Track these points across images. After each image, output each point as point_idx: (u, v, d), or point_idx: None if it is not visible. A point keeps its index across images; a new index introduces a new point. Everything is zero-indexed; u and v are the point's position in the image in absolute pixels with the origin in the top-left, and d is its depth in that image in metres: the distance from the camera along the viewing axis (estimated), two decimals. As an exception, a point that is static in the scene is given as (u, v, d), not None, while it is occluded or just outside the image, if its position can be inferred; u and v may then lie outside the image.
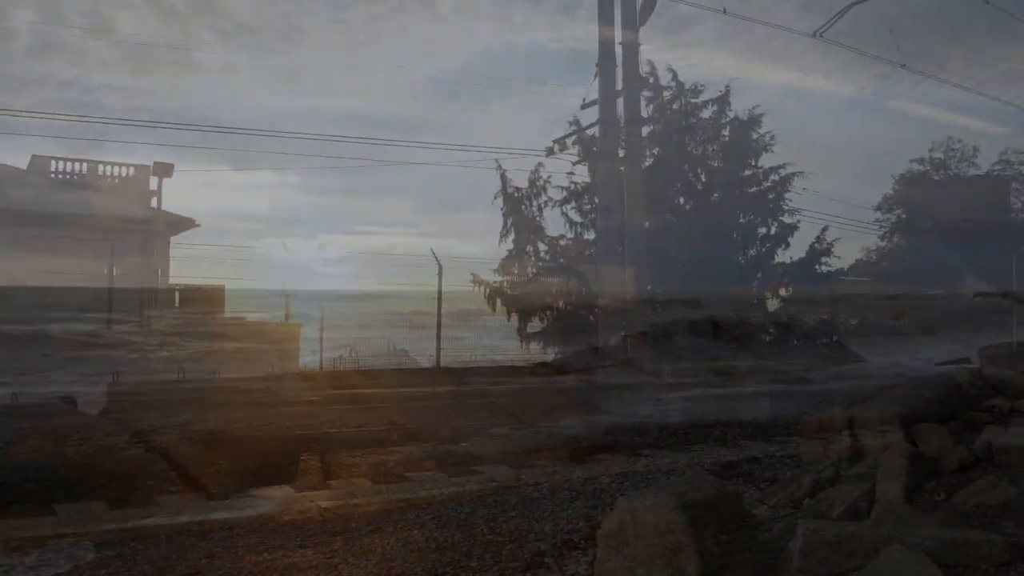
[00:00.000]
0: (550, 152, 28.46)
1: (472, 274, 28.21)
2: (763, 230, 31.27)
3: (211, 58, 48.76)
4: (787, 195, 30.78)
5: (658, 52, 52.32)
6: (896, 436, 6.57)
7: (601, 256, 26.59)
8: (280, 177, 60.70)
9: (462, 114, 55.13)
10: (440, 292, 19.41)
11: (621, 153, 26.24)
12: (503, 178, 29.38)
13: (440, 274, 19.41)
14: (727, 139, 30.98)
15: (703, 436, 10.24)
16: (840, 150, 56.19)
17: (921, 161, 40.88)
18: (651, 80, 30.32)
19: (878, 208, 40.21)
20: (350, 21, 54.71)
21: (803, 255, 31.39)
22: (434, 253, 19.48)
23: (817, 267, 31.23)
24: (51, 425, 9.09)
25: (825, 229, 31.32)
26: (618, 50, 25.68)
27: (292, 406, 11.59)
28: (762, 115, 30.56)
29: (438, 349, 18.79)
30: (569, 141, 28.54)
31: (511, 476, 7.83)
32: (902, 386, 10.22)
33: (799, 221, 30.73)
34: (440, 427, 10.30)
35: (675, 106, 31.17)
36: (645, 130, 29.35)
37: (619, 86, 25.71)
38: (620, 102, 26.00)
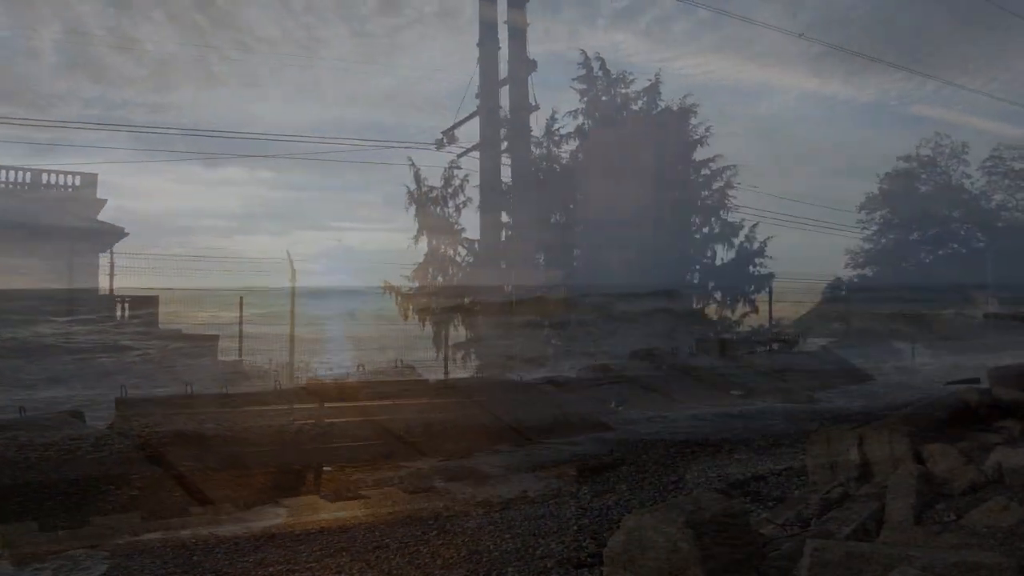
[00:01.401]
0: (440, 145, 26.08)
1: (384, 280, 26.25)
2: (707, 229, 29.42)
3: (232, 70, 48.88)
4: (731, 192, 29.15)
5: (650, 52, 52.09)
6: (905, 456, 6.53)
7: (481, 258, 24.15)
8: (251, 174, 60.27)
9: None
10: (293, 295, 18.37)
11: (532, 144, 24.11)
12: (417, 177, 26.60)
13: (293, 277, 18.44)
14: (658, 130, 28.71)
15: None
16: (817, 148, 55.14)
17: (908, 159, 39.37)
18: (587, 71, 28.28)
19: (862, 208, 38.91)
20: (370, 33, 55.03)
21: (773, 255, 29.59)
22: (289, 255, 18.57)
23: (752, 268, 29.32)
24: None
25: (755, 226, 29.45)
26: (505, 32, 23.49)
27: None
28: (695, 106, 28.78)
29: (290, 364, 17.37)
30: (458, 132, 26.05)
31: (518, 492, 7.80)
32: (911, 405, 10.15)
33: (744, 220, 29.06)
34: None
35: (604, 98, 28.92)
36: (574, 122, 27.76)
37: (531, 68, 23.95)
38: (528, 87, 23.80)
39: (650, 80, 28.97)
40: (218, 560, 5.66)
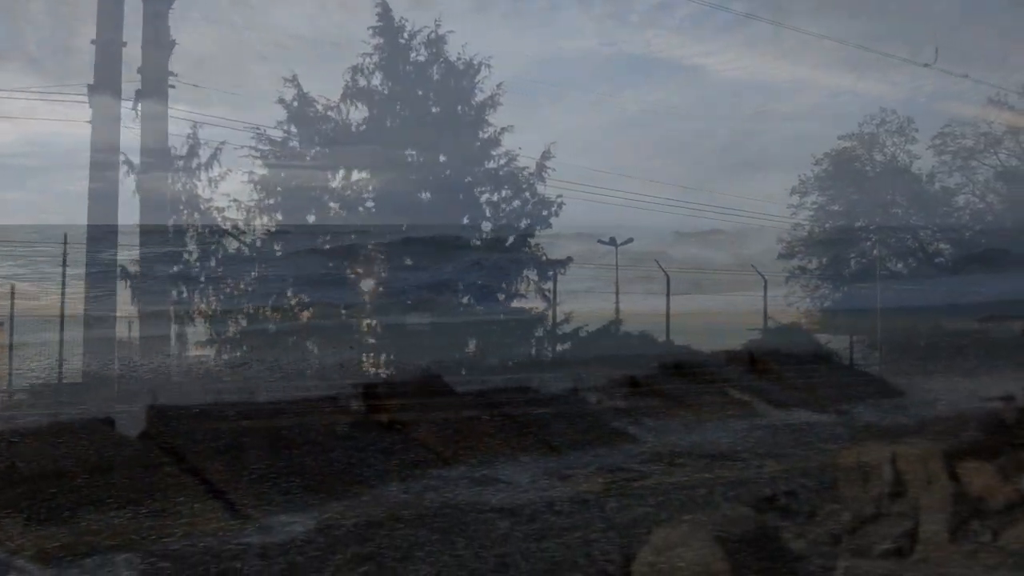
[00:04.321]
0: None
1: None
2: (512, 204, 24.48)
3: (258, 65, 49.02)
4: (549, 165, 23.86)
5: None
6: (939, 473, 6.43)
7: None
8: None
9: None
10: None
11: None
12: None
13: None
14: (440, 88, 24.46)
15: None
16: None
17: (850, 137, 35.51)
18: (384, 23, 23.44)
19: (794, 192, 35.11)
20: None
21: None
22: None
23: (524, 250, 24.40)
24: None
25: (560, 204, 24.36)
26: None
27: None
28: (483, 65, 24.12)
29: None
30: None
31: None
32: (946, 421, 10.01)
33: (560, 197, 24.12)
34: None
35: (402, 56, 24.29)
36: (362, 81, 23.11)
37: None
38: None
39: (432, 32, 24.01)
40: None
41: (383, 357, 20.22)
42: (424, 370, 15.60)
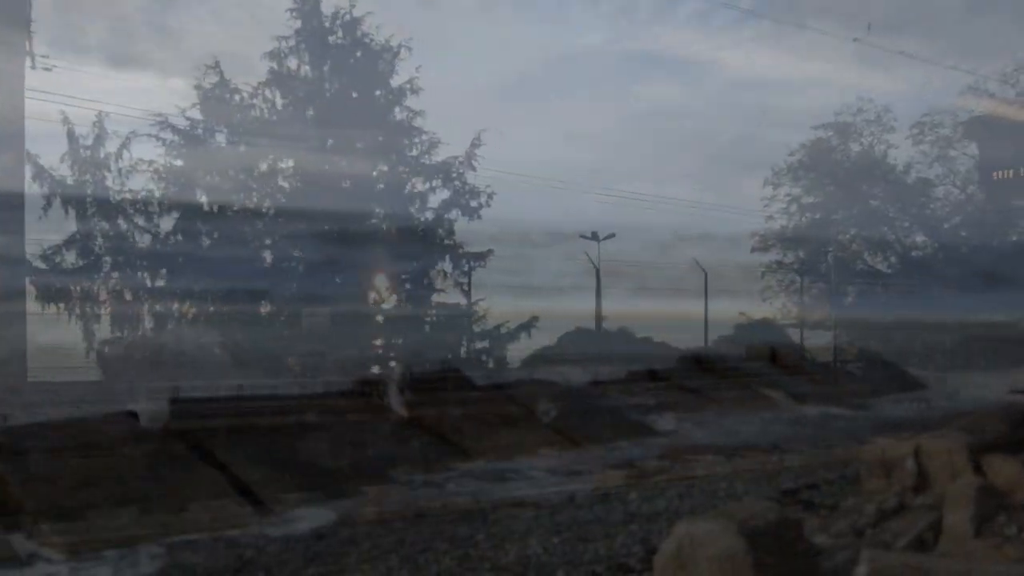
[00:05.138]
0: None
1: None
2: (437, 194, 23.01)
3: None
4: (477, 153, 22.81)
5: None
6: (964, 466, 6.37)
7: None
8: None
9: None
10: None
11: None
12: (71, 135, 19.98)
13: None
14: (358, 71, 22.80)
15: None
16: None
17: (825, 127, 34.43)
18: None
19: (766, 183, 34.07)
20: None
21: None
22: None
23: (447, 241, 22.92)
24: None
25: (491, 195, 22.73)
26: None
27: None
28: (401, 47, 22.66)
29: None
30: None
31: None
32: (970, 414, 9.90)
33: (490, 188, 22.79)
34: None
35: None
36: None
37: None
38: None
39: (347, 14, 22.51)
40: None
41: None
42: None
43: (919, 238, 34.88)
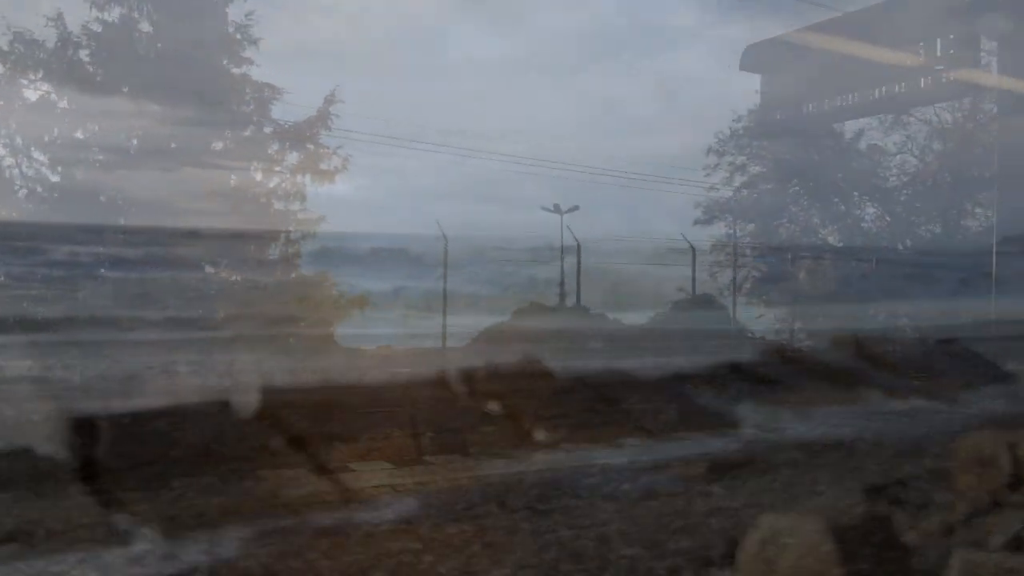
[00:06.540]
0: None
1: None
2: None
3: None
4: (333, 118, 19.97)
5: None
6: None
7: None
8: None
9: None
10: None
11: None
12: None
13: None
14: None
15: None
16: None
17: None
18: None
19: (710, 151, 31.93)
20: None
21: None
22: None
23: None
24: None
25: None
26: None
27: None
28: None
29: None
30: None
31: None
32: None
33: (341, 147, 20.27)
34: None
35: None
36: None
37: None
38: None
39: None
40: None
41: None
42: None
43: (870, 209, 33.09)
